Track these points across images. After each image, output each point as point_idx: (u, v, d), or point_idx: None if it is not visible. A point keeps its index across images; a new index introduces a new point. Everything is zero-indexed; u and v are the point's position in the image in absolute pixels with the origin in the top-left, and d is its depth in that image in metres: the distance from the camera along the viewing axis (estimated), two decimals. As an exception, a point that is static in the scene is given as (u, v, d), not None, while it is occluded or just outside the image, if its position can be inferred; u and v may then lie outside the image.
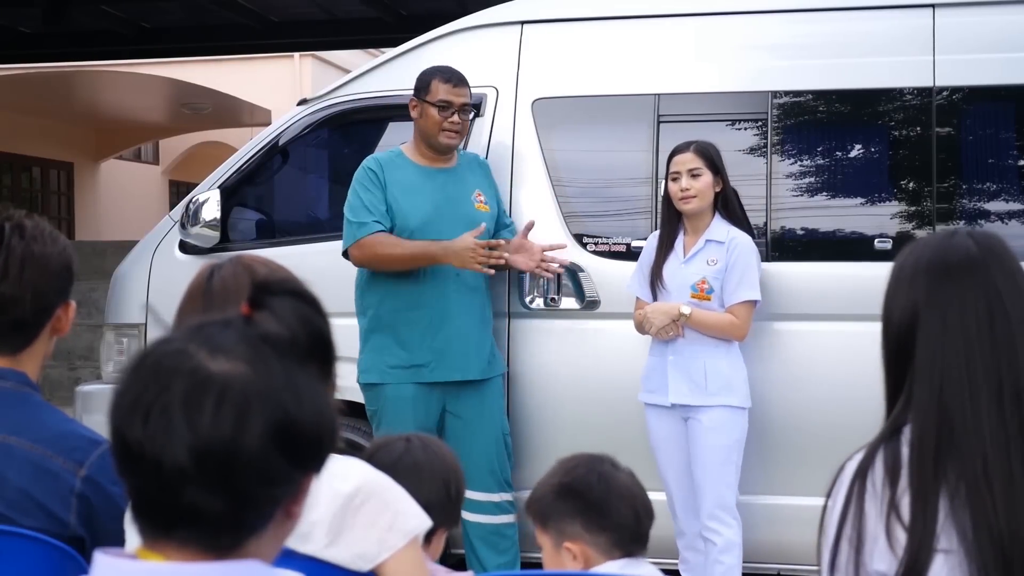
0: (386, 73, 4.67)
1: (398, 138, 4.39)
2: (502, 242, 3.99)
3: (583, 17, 4.54)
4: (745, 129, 4.33)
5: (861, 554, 1.59)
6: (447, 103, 4.09)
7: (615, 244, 4.35)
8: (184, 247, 4.76)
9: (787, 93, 4.29)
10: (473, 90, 4.28)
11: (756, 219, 4.16)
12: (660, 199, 4.12)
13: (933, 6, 4.17)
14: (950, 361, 1.62)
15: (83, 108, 16.80)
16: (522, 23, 4.55)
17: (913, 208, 4.21)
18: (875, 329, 1.74)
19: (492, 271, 3.96)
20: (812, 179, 4.31)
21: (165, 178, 21.38)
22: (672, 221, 4.01)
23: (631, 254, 4.19)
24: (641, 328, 3.99)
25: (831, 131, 4.36)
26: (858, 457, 1.66)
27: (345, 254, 4.10)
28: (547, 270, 4.15)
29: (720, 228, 3.95)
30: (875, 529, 1.59)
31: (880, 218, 4.20)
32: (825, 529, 1.65)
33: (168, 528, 1.13)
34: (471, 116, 4.25)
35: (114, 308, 4.93)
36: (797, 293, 4.12)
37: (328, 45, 13.73)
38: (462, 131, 4.16)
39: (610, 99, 4.45)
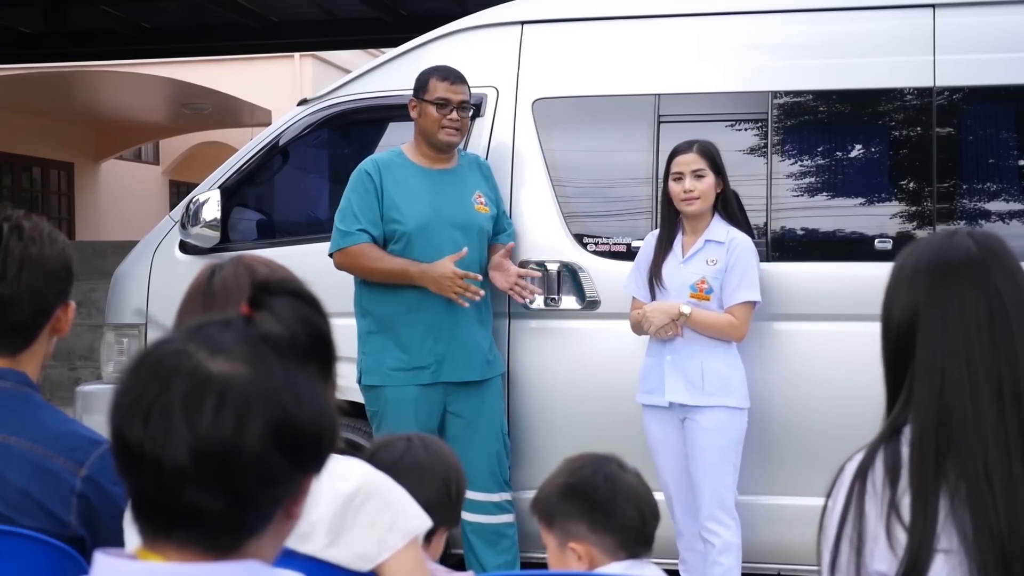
0: (386, 73, 4.67)
1: (398, 138, 4.39)
2: (479, 277, 4.00)
3: (583, 17, 4.54)
4: (745, 129, 4.33)
5: (861, 554, 1.59)
6: (445, 100, 4.10)
7: (615, 244, 4.35)
8: (184, 247, 4.76)
9: (787, 93, 4.29)
10: (473, 90, 4.29)
11: (756, 219, 4.16)
12: (660, 198, 4.12)
13: (933, 6, 4.17)
14: (950, 361, 1.62)
15: (83, 108, 16.80)
16: (522, 23, 4.55)
17: (913, 208, 4.21)
18: (875, 329, 1.74)
19: (466, 304, 3.98)
20: (812, 179, 4.31)
21: (165, 178, 21.39)
22: (671, 221, 4.01)
23: (631, 254, 4.19)
24: (638, 328, 3.99)
25: (831, 131, 4.36)
26: (858, 457, 1.66)
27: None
28: (520, 294, 4.15)
29: (720, 228, 3.95)
30: (875, 529, 1.59)
31: (880, 218, 4.20)
32: (825, 529, 1.65)
33: (168, 528, 1.13)
34: (470, 114, 4.25)
35: (114, 308, 4.93)
36: (798, 293, 4.12)
37: (328, 45, 13.73)
38: (461, 128, 4.17)
39: (610, 99, 4.45)
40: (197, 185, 4.93)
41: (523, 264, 4.31)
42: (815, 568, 1.69)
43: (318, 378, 1.21)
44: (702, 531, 3.86)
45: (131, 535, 1.71)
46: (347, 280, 4.16)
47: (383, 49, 10.47)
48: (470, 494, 3.74)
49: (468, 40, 4.61)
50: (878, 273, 1.94)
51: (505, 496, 4.18)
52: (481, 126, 4.48)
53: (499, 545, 4.15)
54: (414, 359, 4.06)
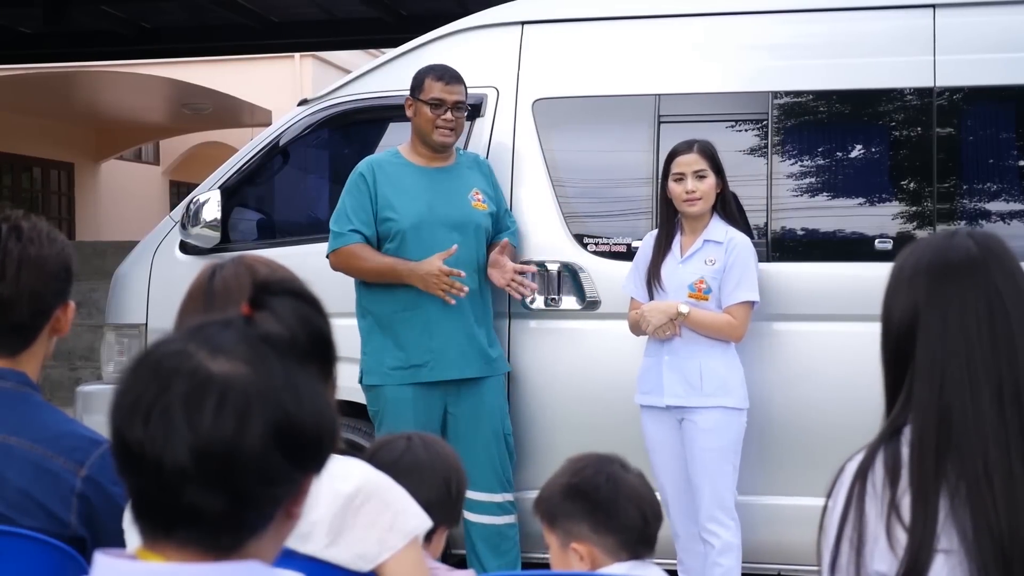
0: (386, 73, 4.67)
1: (399, 138, 4.39)
2: (462, 273, 4.00)
3: (584, 17, 4.54)
4: (746, 129, 4.33)
5: (861, 555, 1.59)
6: (440, 101, 4.11)
7: (615, 244, 4.35)
8: (185, 247, 4.76)
9: (787, 93, 4.29)
10: (474, 90, 4.29)
11: (757, 219, 4.16)
12: (658, 198, 4.12)
13: (934, 6, 4.16)
14: (950, 361, 1.62)
15: (83, 108, 16.81)
16: (523, 23, 4.55)
17: (914, 208, 4.21)
18: (876, 329, 1.74)
19: (452, 301, 3.98)
20: (813, 179, 4.31)
21: (165, 178, 21.39)
22: (669, 221, 4.01)
23: (632, 254, 4.18)
24: (636, 328, 3.98)
25: (832, 131, 4.36)
26: (858, 458, 1.66)
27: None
28: (517, 290, 4.15)
29: (718, 228, 3.94)
30: (875, 530, 1.59)
31: (881, 218, 4.20)
32: (825, 530, 1.65)
33: (168, 528, 1.13)
34: (466, 114, 4.25)
35: (115, 308, 4.93)
36: (798, 293, 4.12)
37: (328, 45, 13.73)
38: (456, 128, 4.17)
39: (611, 99, 4.45)
40: (197, 185, 4.93)
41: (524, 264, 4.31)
42: (815, 568, 1.69)
43: (318, 378, 1.21)
44: (702, 532, 3.86)
45: (132, 535, 1.71)
46: (347, 280, 4.17)
47: (383, 49, 10.47)
48: (472, 494, 3.75)
49: (468, 40, 4.61)
50: (878, 273, 1.94)
51: (507, 497, 4.18)
52: (481, 126, 4.48)
53: (501, 546, 4.15)
54: (411, 357, 4.06)
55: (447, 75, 4.15)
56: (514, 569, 4.14)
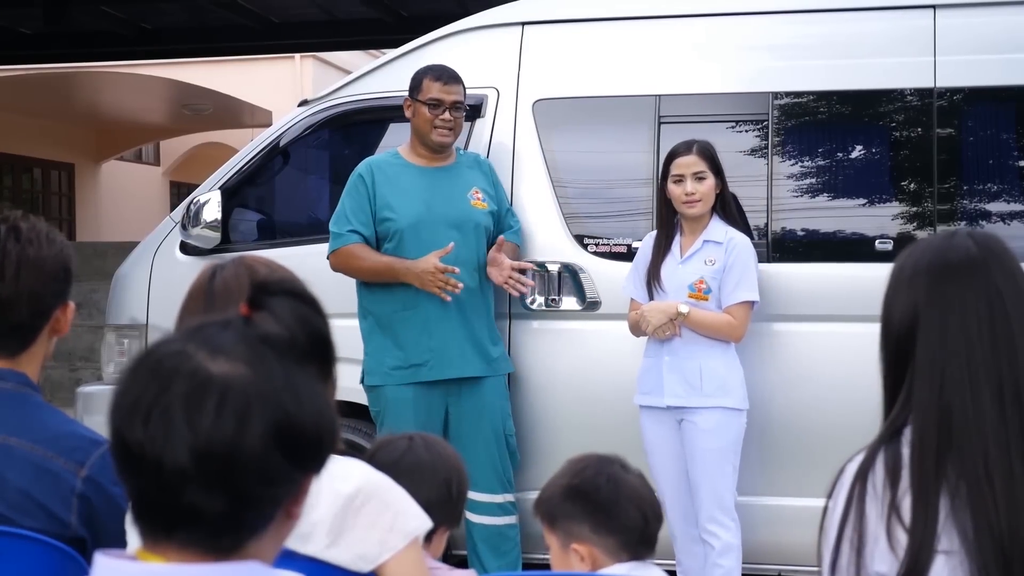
0: (387, 74, 4.67)
1: (399, 139, 4.39)
2: (457, 270, 3.99)
3: (584, 18, 4.54)
4: (746, 130, 4.33)
5: (862, 555, 1.59)
6: (438, 101, 4.11)
7: (616, 245, 4.35)
8: (185, 248, 4.76)
9: (788, 94, 4.29)
10: (474, 91, 4.29)
11: (757, 220, 4.16)
12: (657, 198, 4.11)
13: (934, 7, 4.16)
14: (951, 361, 1.62)
15: (84, 109, 16.81)
16: (523, 24, 4.55)
17: (914, 209, 4.21)
18: (876, 330, 1.74)
19: (448, 298, 3.98)
20: (813, 180, 4.31)
21: (166, 179, 21.39)
22: (669, 221, 4.01)
23: (632, 255, 4.18)
24: (636, 329, 3.98)
25: (832, 132, 4.36)
26: (858, 458, 1.66)
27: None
28: (515, 288, 4.15)
29: (718, 228, 3.94)
30: (876, 530, 1.59)
31: (881, 219, 4.19)
32: (826, 530, 1.65)
33: (168, 529, 1.13)
34: (465, 114, 4.25)
35: (115, 309, 4.93)
36: (798, 294, 4.12)
37: (328, 46, 13.74)
38: (455, 128, 4.17)
39: (611, 100, 4.45)
40: (198, 186, 4.93)
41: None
42: (815, 569, 1.69)
43: (317, 378, 1.21)
44: (702, 532, 3.85)
45: (132, 536, 1.71)
46: (347, 281, 4.17)
47: (383, 50, 10.47)
48: (473, 495, 3.74)
49: (469, 41, 4.61)
50: (878, 274, 1.94)
51: (508, 497, 4.17)
52: (482, 127, 4.48)
53: (501, 547, 4.15)
54: (410, 356, 4.07)
55: (445, 75, 4.15)
56: (515, 570, 4.14)
